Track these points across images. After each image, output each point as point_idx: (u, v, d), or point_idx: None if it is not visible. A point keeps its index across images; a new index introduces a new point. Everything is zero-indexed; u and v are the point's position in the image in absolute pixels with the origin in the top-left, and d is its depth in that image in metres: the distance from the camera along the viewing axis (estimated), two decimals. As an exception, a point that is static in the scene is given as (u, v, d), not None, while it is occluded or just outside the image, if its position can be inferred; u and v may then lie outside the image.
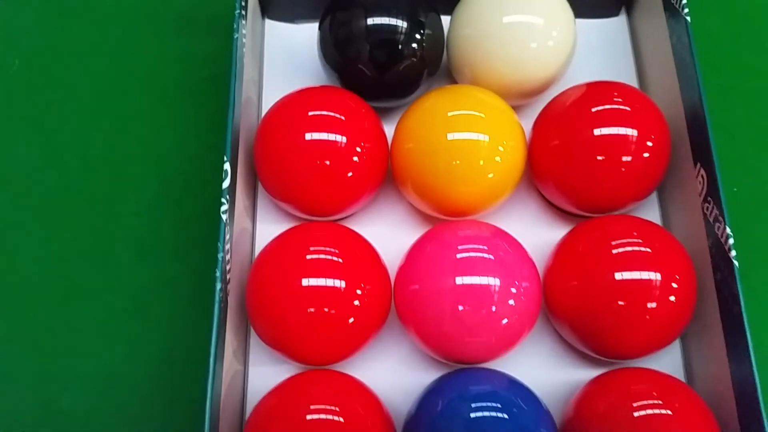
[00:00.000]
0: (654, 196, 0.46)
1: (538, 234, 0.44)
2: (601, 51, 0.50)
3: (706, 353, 0.39)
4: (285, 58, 0.49)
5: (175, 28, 0.52)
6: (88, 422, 0.42)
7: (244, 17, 0.44)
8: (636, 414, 0.35)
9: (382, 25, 0.42)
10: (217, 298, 0.36)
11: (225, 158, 0.38)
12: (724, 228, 0.37)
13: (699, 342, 0.40)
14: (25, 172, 0.48)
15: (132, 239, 0.46)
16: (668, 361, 0.41)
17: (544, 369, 0.42)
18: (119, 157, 0.49)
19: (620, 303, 0.37)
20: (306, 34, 0.49)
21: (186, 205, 0.47)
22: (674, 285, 0.37)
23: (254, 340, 0.42)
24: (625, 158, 0.40)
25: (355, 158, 0.40)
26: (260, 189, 0.46)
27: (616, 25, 0.51)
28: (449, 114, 0.40)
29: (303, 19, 0.50)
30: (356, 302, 0.37)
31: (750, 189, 0.47)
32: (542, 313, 0.41)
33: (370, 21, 0.42)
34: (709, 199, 0.39)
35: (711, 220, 0.39)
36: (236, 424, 0.39)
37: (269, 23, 0.51)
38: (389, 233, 0.44)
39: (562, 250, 0.40)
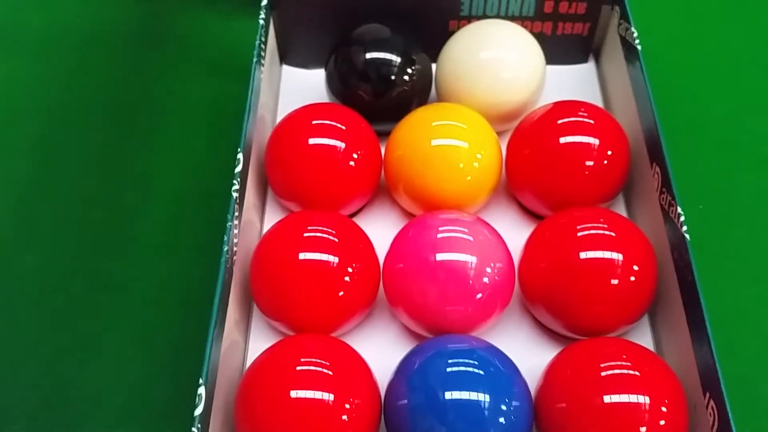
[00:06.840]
0: (620, 198, 0.53)
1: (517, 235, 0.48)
2: (572, 91, 0.57)
3: (671, 335, 0.44)
4: (299, 98, 0.56)
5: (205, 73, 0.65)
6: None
7: (262, 65, 0.52)
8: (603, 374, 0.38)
9: (379, 59, 0.53)
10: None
11: (239, 149, 0.45)
12: (677, 209, 0.43)
13: (664, 323, 0.45)
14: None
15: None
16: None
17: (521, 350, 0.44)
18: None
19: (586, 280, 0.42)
20: (317, 78, 0.57)
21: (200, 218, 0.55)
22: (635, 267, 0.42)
23: None
24: (588, 162, 0.48)
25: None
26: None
27: (586, 70, 0.61)
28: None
29: (315, 66, 0.60)
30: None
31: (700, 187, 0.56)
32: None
33: (369, 56, 0.53)
34: (663, 190, 0.45)
35: (666, 206, 0.44)
36: None
37: (286, 69, 0.61)
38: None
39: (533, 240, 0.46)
